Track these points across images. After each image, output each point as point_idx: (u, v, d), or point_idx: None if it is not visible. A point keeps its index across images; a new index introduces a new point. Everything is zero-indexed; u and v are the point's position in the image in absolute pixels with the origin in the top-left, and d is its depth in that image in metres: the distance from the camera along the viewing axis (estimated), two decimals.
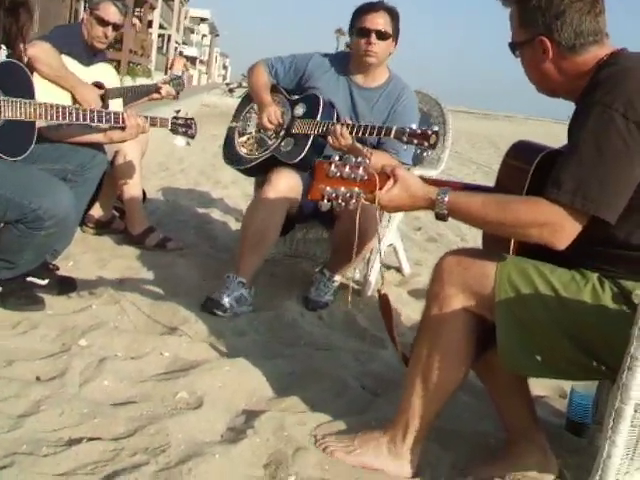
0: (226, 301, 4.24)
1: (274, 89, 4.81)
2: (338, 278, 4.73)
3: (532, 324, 2.46)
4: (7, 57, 3.75)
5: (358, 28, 4.53)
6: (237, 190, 8.40)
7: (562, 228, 2.36)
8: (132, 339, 3.69)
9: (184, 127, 4.73)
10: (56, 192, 3.68)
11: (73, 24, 5.63)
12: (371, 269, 4.88)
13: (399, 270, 5.65)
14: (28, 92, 3.81)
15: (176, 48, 70.20)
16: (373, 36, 4.48)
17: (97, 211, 5.66)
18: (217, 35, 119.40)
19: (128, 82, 32.46)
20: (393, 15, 4.59)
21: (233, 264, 4.53)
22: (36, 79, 4.65)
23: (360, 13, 4.57)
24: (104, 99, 5.17)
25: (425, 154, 4.25)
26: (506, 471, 2.81)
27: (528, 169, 2.60)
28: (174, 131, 4.75)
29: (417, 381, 2.67)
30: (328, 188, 2.50)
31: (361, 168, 2.51)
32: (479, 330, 2.60)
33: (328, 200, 2.52)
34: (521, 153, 2.74)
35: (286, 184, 4.36)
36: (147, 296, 4.34)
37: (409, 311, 4.60)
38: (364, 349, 3.97)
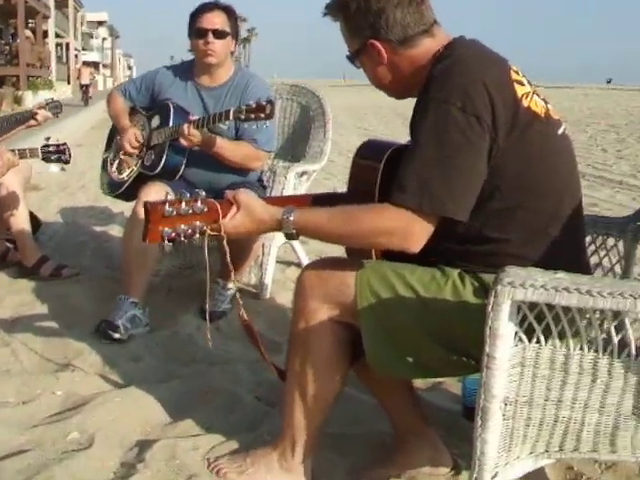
0: (120, 322, 4.19)
1: (133, 111, 4.85)
2: (232, 285, 4.69)
3: (397, 328, 2.45)
4: None
5: (195, 29, 4.55)
6: None
7: (411, 232, 2.33)
8: (23, 382, 3.61)
9: (56, 154, 4.65)
10: None
11: None
12: (266, 272, 4.86)
13: (299, 265, 5.63)
14: None
15: (76, 55, 69.34)
16: (210, 35, 4.50)
17: None
18: (117, 37, 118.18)
19: (29, 97, 32.09)
20: (229, 13, 4.62)
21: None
22: None
23: (196, 14, 4.58)
24: None
25: (265, 125, 4.31)
26: (400, 470, 2.83)
27: (378, 167, 2.58)
28: (46, 159, 4.66)
29: (295, 395, 2.65)
30: (166, 228, 2.40)
31: (199, 201, 2.43)
32: (349, 336, 2.58)
33: (169, 240, 2.42)
34: (370, 152, 2.72)
35: (155, 197, 4.27)
36: (40, 333, 4.25)
37: None
38: (260, 357, 3.93)
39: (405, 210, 2.31)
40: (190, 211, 2.43)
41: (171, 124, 4.45)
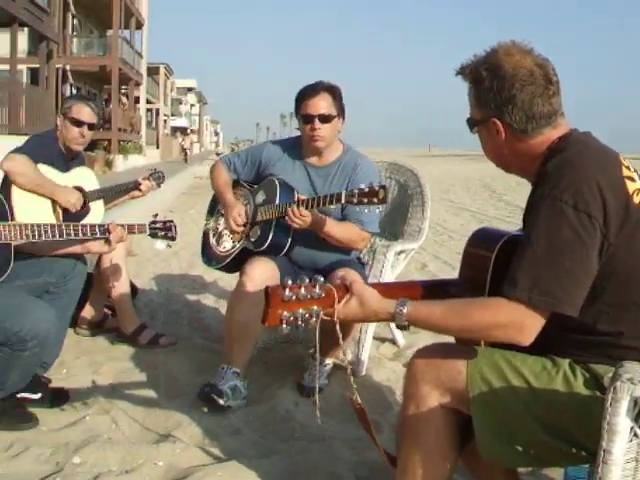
0: (224, 388, 4.24)
1: (236, 184, 4.91)
2: (330, 361, 4.73)
3: (508, 417, 2.45)
4: None
5: (302, 115, 4.58)
6: None
7: (523, 325, 2.35)
8: (126, 451, 3.66)
9: (163, 230, 4.74)
10: (35, 312, 3.69)
11: (47, 131, 5.56)
12: (363, 348, 4.86)
13: (393, 342, 5.64)
14: (3, 214, 3.89)
15: (165, 121, 70.68)
16: (316, 121, 4.52)
17: (89, 312, 5.66)
18: (205, 103, 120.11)
19: (120, 160, 32.78)
20: (334, 94, 4.61)
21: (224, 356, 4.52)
22: (16, 191, 4.71)
23: (301, 99, 4.60)
24: (85, 203, 5.20)
25: (378, 210, 4.32)
26: None
27: (490, 256, 2.60)
28: (153, 236, 4.75)
29: None
30: (285, 312, 2.45)
31: (317, 286, 2.48)
32: (459, 423, 2.58)
33: (287, 324, 2.47)
34: (482, 241, 2.73)
35: (261, 273, 4.37)
36: (140, 401, 4.34)
37: None
38: (360, 435, 3.91)
39: (518, 304, 2.34)
40: (308, 296, 2.47)
41: (277, 201, 4.47)
